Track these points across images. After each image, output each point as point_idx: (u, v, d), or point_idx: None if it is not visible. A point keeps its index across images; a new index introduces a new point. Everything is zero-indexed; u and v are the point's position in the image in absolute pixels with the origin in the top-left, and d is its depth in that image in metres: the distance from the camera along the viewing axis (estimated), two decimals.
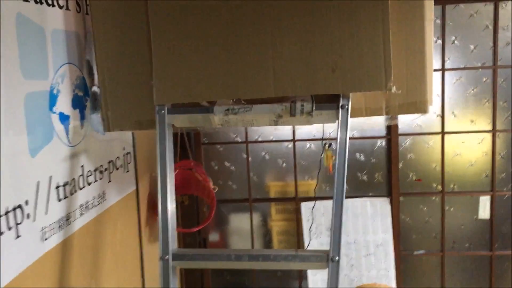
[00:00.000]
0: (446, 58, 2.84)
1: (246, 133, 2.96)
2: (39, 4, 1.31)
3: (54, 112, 1.39)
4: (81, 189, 1.54)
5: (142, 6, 1.36)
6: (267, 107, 1.36)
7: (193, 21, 1.33)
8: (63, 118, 1.44)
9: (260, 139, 2.98)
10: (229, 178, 3.03)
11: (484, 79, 2.85)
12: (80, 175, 1.53)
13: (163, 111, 1.38)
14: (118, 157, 1.85)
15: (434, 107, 2.89)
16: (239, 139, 2.99)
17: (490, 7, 2.79)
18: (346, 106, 1.32)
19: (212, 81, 1.35)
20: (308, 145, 2.98)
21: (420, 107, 1.37)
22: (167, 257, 1.32)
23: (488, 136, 2.90)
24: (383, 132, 2.96)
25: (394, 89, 1.31)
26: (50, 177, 1.36)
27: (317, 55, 1.31)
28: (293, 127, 3.24)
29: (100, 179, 1.68)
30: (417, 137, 2.95)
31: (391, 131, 2.90)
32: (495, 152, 2.90)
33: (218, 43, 1.33)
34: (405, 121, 2.91)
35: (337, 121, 1.34)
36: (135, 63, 1.40)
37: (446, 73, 2.86)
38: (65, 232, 1.45)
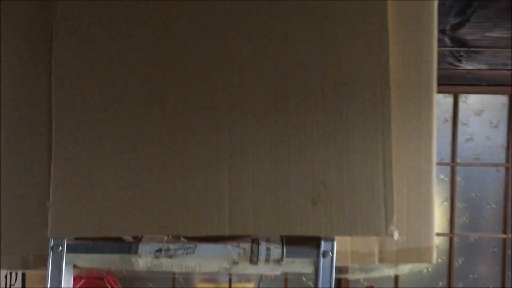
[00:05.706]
0: None
1: None
2: None
3: None
4: None
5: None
6: (217, 250, 0.93)
7: (112, 116, 0.91)
8: None
9: None
10: (148, 278, 2.50)
11: (442, 177, 2.62)
12: None
13: (60, 248, 0.92)
14: None
15: None
16: None
17: (449, 99, 2.60)
18: (330, 254, 0.93)
19: (137, 208, 0.91)
20: None
21: (424, 255, 1.00)
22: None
23: (445, 241, 2.64)
24: None
25: (396, 235, 0.94)
26: None
27: (292, 179, 0.92)
28: None
29: None
30: None
31: None
32: (453, 258, 2.63)
33: (149, 150, 0.91)
34: None
35: (316, 272, 0.94)
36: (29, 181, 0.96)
37: None
38: None
